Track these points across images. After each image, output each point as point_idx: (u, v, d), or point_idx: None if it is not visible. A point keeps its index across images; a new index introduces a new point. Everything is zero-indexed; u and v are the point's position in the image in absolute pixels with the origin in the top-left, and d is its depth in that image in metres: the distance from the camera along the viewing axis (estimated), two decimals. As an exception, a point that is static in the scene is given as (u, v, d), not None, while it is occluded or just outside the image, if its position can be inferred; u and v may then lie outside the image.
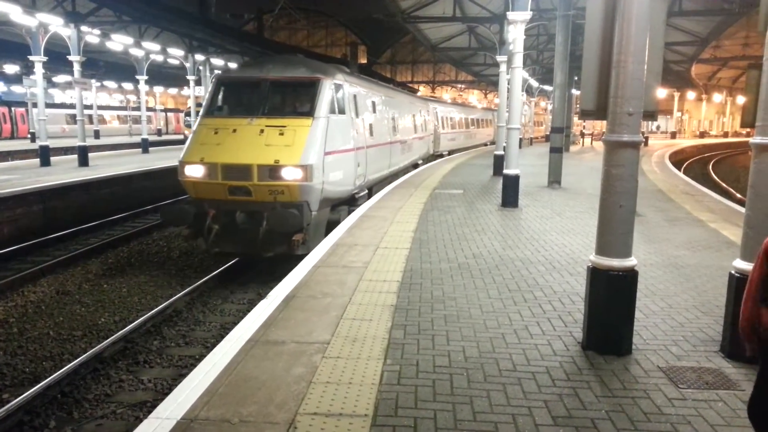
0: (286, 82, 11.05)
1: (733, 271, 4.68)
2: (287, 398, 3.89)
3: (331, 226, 10.72)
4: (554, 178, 16.38)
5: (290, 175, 9.75)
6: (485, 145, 42.60)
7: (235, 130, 10.20)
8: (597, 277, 4.72)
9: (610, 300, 4.67)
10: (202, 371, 4.30)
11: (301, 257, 8.31)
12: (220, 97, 11.31)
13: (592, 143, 43.16)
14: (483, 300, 6.07)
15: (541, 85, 42.13)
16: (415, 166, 22.38)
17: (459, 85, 66.03)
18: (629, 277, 4.66)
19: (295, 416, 3.66)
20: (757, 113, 4.53)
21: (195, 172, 10.14)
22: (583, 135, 46.88)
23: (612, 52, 4.54)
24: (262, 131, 10.11)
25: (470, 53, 32.83)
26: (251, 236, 10.01)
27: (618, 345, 4.73)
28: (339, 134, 11.14)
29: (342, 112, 11.53)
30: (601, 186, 4.74)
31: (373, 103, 14.77)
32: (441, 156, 29.00)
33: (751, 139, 4.67)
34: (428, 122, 25.68)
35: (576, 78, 36.28)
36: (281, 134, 10.04)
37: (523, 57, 12.97)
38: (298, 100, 11.01)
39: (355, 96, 12.63)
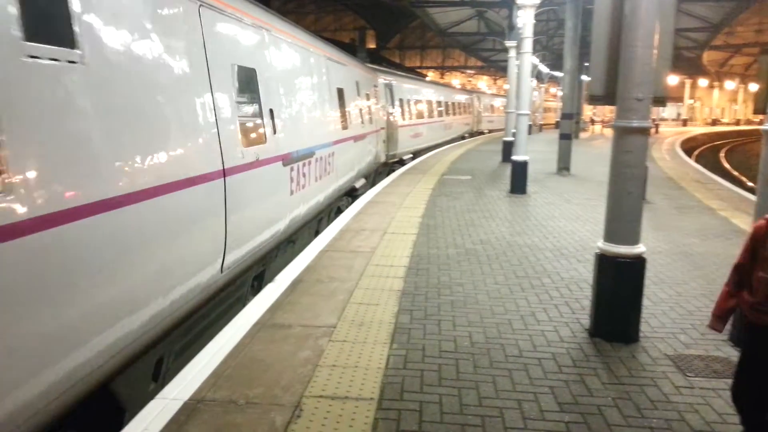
0: None
1: (742, 259, 4.63)
2: (293, 381, 3.90)
3: None
4: (563, 165, 16.28)
5: None
6: (462, 138, 33.63)
7: None
8: (605, 263, 4.70)
9: (618, 287, 4.64)
10: (208, 353, 4.32)
11: None
12: None
13: (602, 130, 42.83)
14: (490, 286, 6.05)
15: (551, 71, 41.80)
16: (350, 194, 12.26)
17: (468, 71, 65.65)
18: (637, 264, 4.63)
19: (300, 399, 3.67)
20: (771, 99, 4.46)
21: None
22: (593, 122, 46.57)
23: (621, 36, 4.48)
24: None
25: (479, 38, 32.60)
26: None
27: (625, 332, 4.71)
28: None
29: None
30: (610, 172, 4.70)
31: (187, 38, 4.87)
32: (401, 163, 19.17)
33: (762, 126, 4.61)
34: (376, 109, 15.47)
35: (586, 64, 35.98)
36: None
37: (533, 42, 12.84)
38: None
39: None
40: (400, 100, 19.81)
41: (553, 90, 55.60)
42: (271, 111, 6.82)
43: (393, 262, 6.85)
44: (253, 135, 6.23)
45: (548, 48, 35.86)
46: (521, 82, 12.84)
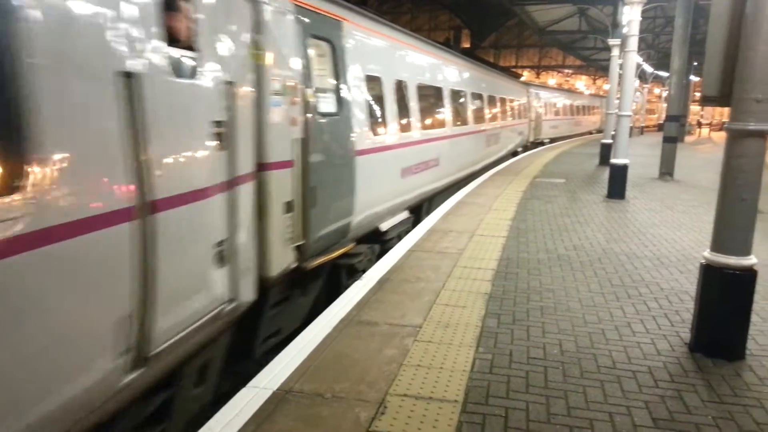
0: None
1: None
2: (378, 378, 3.94)
3: None
4: (666, 170, 15.44)
5: None
6: (515, 154, 22.06)
7: None
8: (710, 275, 4.40)
9: (724, 300, 4.35)
10: (296, 346, 4.44)
11: None
12: None
13: (710, 134, 40.27)
14: (583, 293, 5.84)
15: (655, 71, 39.79)
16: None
17: (566, 71, 63.69)
18: (747, 276, 4.31)
19: (385, 396, 3.70)
20: None
21: None
22: (700, 125, 43.92)
23: (740, 33, 4.17)
24: None
25: (580, 37, 31.55)
26: None
27: (729, 349, 4.40)
28: None
29: None
30: (721, 178, 4.40)
31: None
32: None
33: None
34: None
35: (695, 63, 33.92)
36: None
37: (638, 40, 12.26)
38: None
39: None
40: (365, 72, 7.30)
41: (656, 91, 52.89)
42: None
43: (481, 265, 6.76)
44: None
45: (654, 46, 34.20)
46: (624, 82, 12.29)
